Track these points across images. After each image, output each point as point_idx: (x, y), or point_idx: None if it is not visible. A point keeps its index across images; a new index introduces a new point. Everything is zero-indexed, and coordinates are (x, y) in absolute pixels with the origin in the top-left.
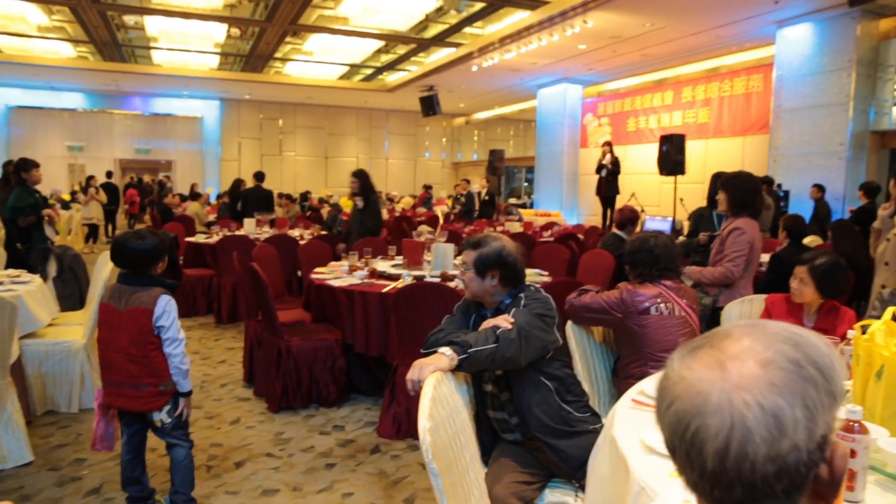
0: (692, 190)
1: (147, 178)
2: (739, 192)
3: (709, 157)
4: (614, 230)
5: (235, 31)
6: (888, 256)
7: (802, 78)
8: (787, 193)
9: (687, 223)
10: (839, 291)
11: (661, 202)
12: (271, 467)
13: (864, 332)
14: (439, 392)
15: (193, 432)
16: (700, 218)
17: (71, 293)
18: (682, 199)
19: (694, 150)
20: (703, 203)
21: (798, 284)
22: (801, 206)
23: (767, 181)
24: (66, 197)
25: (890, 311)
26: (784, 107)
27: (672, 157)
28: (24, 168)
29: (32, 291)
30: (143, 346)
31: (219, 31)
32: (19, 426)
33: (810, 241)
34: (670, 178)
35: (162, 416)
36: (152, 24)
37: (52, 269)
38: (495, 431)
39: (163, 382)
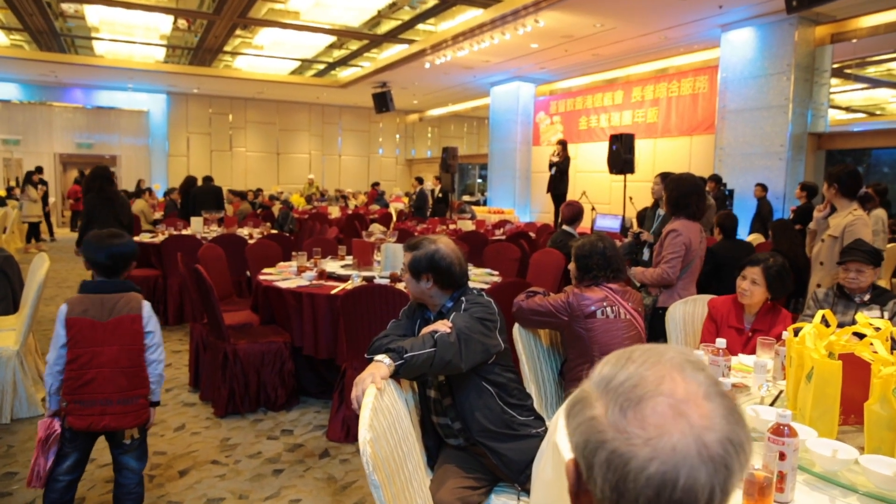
0: (641, 188)
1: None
2: (675, 193)
3: (657, 156)
4: (564, 227)
5: (183, 23)
6: (823, 256)
7: (745, 80)
8: (731, 192)
9: (635, 221)
10: (785, 291)
11: (611, 200)
12: (217, 475)
13: (796, 335)
14: (380, 402)
15: None
16: (644, 217)
17: (3, 296)
18: (631, 198)
19: (643, 149)
20: (651, 202)
21: (749, 285)
22: (745, 204)
23: (716, 179)
24: (1, 193)
25: (819, 314)
26: (728, 108)
27: (622, 155)
28: None
29: None
30: (136, 356)
31: (165, 23)
32: None
33: (752, 238)
34: (620, 177)
35: (133, 432)
36: (93, 14)
37: None
38: (440, 437)
39: (150, 393)
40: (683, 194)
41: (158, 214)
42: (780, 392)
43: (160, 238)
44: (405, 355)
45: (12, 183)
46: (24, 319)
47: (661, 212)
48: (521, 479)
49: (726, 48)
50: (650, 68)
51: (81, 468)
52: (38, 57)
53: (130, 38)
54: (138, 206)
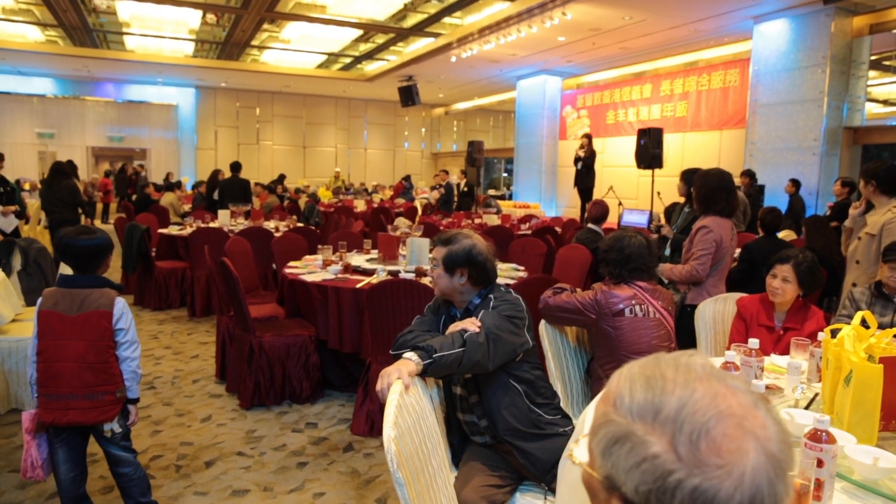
0: (670, 183)
1: (129, 168)
2: (703, 189)
3: (686, 150)
4: (589, 225)
5: (211, 18)
6: (859, 255)
7: (778, 73)
8: (762, 188)
9: (663, 217)
10: (816, 287)
11: (638, 195)
12: (242, 466)
13: (833, 336)
14: (405, 399)
15: (164, 430)
16: (671, 212)
17: (37, 287)
18: (659, 193)
19: (672, 144)
20: (679, 197)
21: (780, 283)
22: (777, 200)
23: (749, 174)
24: (28, 186)
25: (859, 315)
26: (760, 101)
27: (650, 150)
28: None
29: None
30: (103, 352)
31: (193, 18)
32: None
33: (784, 235)
34: (648, 172)
35: (114, 426)
36: (124, 9)
37: (17, 262)
38: (465, 434)
39: (118, 389)
40: (712, 190)
41: (187, 207)
42: (816, 395)
43: (188, 230)
44: (434, 355)
45: (46, 176)
46: None
47: (687, 208)
48: (547, 479)
49: (759, 40)
50: (679, 61)
51: (79, 464)
52: (72, 52)
53: (160, 32)
54: (167, 198)
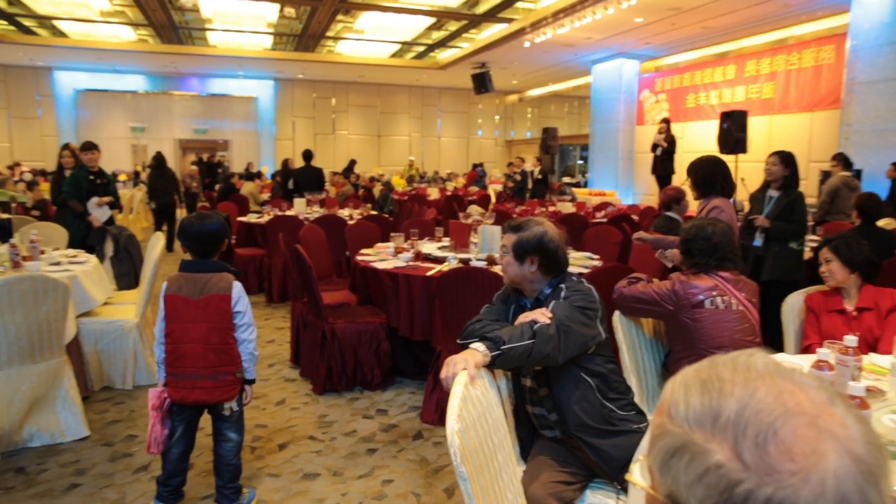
0: (754, 169)
1: (210, 158)
2: (701, 173)
3: (773, 133)
4: (668, 212)
5: (289, 11)
6: None
7: (879, 48)
8: (859, 172)
9: (747, 204)
10: (868, 262)
11: None
12: (313, 450)
13: None
14: (470, 391)
15: None
16: (755, 199)
17: (126, 272)
18: (743, 179)
19: (757, 127)
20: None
21: (826, 266)
22: (876, 185)
23: (842, 158)
24: (123, 177)
25: None
26: (858, 79)
27: (733, 134)
28: (81, 151)
29: (88, 271)
30: (225, 333)
31: (271, 11)
32: (75, 402)
33: (886, 223)
34: (731, 157)
35: (233, 405)
36: (207, 6)
37: (109, 248)
38: (534, 427)
39: (238, 370)
40: (709, 174)
41: (266, 196)
42: None
43: (265, 219)
44: (502, 346)
45: (139, 168)
46: (142, 294)
47: (774, 193)
48: (619, 478)
49: (858, 12)
50: (766, 39)
51: (189, 441)
52: (161, 49)
53: (240, 27)
54: (247, 188)
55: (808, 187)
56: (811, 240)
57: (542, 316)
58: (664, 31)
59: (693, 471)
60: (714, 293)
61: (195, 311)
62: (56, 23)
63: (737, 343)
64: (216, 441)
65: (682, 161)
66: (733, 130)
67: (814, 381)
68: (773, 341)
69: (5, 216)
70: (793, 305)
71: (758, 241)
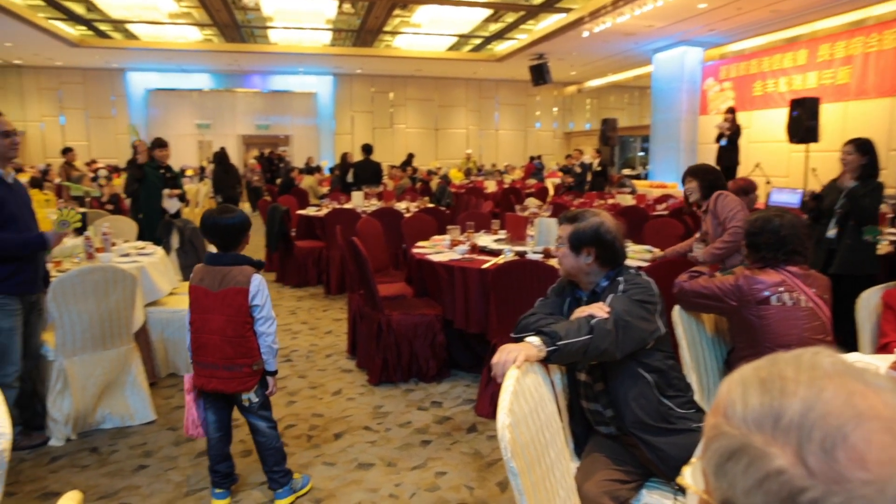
0: (826, 159)
1: (271, 153)
2: (710, 177)
3: (848, 121)
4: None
5: (348, 7)
6: None
7: None
8: None
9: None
10: None
11: (789, 172)
12: (368, 440)
13: None
14: (522, 385)
15: (298, 401)
16: (829, 190)
17: (191, 264)
18: (814, 169)
19: (830, 115)
20: (836, 174)
21: None
22: None
23: None
24: (190, 172)
25: None
26: None
27: (804, 122)
28: (152, 147)
29: (155, 262)
30: (240, 326)
31: (330, 8)
32: (143, 387)
33: None
34: (801, 147)
35: (251, 396)
36: (268, 4)
37: (175, 241)
38: (589, 423)
39: (255, 362)
40: (716, 178)
41: (325, 189)
42: None
43: (324, 212)
44: (559, 342)
45: (204, 163)
46: None
47: (850, 183)
48: (678, 477)
49: None
50: (842, 21)
51: (224, 427)
52: (225, 48)
53: (300, 24)
54: (307, 181)
55: (889, 177)
56: (890, 233)
57: (599, 310)
58: (729, 16)
59: (751, 476)
60: (781, 289)
61: (214, 302)
62: (128, 26)
63: (806, 342)
64: (250, 429)
65: (747, 152)
66: (804, 118)
67: (888, 383)
68: (846, 340)
69: (81, 210)
70: (868, 301)
71: (831, 232)
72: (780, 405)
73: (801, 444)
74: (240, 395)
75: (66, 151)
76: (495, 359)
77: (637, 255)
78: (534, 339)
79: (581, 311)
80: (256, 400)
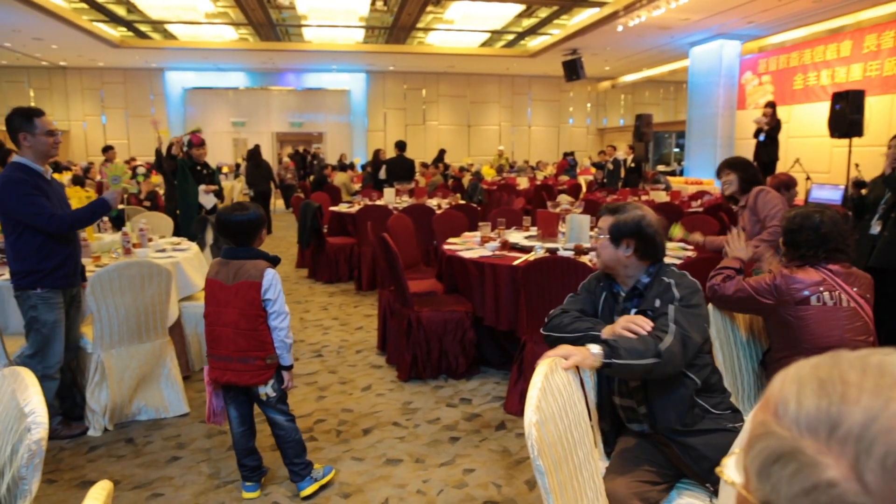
0: (871, 154)
1: (305, 150)
2: (751, 170)
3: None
4: None
5: (380, 4)
6: None
7: None
8: None
9: (864, 192)
10: None
11: (831, 168)
12: (397, 436)
13: None
14: (551, 382)
15: (328, 396)
16: (874, 185)
17: None
18: (857, 165)
19: (876, 108)
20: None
21: None
22: None
23: None
24: (226, 169)
25: None
26: None
27: (847, 116)
28: (189, 147)
29: (190, 258)
30: (253, 320)
31: (363, 5)
32: (177, 381)
33: None
34: (844, 141)
35: (268, 390)
36: (302, 3)
37: (209, 237)
38: (619, 421)
39: (269, 356)
40: (755, 172)
41: (358, 186)
42: None
43: (356, 208)
44: (616, 360)
45: (239, 160)
46: None
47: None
48: (711, 479)
49: None
50: (890, 10)
51: (246, 421)
52: (260, 46)
53: (333, 22)
54: (340, 178)
55: None
56: None
57: (646, 324)
58: (769, 7)
59: (798, 484)
60: (821, 288)
61: (228, 295)
62: (167, 26)
63: (847, 343)
64: (269, 423)
65: (786, 147)
66: (847, 112)
67: None
68: (889, 340)
69: (120, 206)
70: None
71: (875, 229)
72: (838, 412)
73: (858, 458)
74: (255, 389)
75: (107, 150)
76: (553, 352)
77: (671, 252)
78: (594, 347)
79: (629, 321)
80: (274, 394)
